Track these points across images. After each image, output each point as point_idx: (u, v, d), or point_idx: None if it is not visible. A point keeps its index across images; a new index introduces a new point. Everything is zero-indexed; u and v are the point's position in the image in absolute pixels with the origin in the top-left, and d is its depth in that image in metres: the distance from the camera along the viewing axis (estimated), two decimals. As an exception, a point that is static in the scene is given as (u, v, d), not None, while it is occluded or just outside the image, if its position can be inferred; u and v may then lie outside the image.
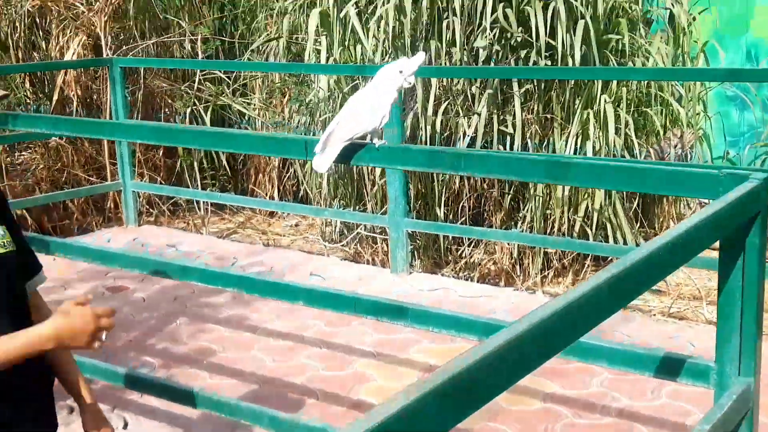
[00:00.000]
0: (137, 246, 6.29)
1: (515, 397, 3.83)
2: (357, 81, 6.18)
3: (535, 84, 5.87)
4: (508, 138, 5.87)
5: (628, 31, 5.94)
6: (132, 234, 6.65)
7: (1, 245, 1.85)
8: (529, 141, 5.93)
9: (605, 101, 5.71)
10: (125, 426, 3.63)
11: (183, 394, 3.00)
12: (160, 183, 7.37)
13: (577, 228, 5.92)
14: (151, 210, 7.40)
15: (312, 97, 6.45)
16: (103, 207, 7.44)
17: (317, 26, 6.23)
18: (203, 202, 7.13)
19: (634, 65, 5.97)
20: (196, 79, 7.32)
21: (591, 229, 5.76)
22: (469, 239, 5.99)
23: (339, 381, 3.99)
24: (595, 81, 5.65)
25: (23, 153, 7.56)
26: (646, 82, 5.93)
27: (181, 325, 4.74)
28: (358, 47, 6.03)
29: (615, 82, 5.78)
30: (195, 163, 7.28)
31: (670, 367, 2.26)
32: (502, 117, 5.92)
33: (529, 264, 5.92)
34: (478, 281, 5.81)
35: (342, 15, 5.93)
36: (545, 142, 5.95)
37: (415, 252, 6.10)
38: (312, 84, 6.52)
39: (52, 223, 7.18)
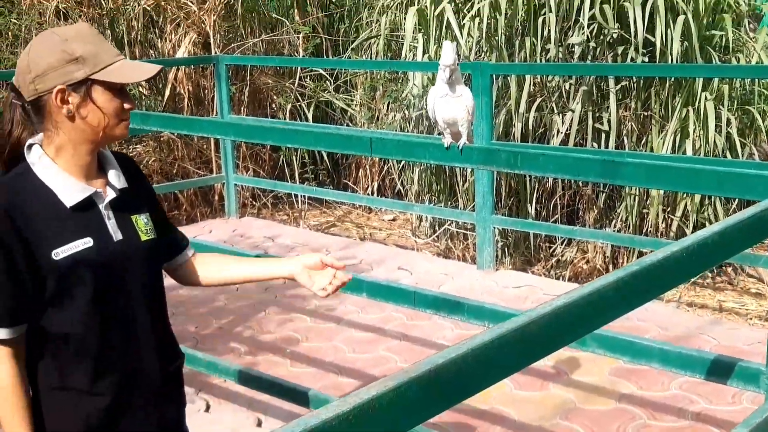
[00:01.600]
0: (236, 237, 6.53)
1: (590, 396, 3.81)
2: (451, 78, 6.21)
3: (633, 80, 5.76)
4: (603, 136, 5.79)
5: (733, 27, 5.75)
6: (233, 225, 6.90)
7: (144, 232, 1.89)
8: (625, 139, 5.83)
9: (706, 98, 5.55)
10: (207, 409, 3.81)
11: (262, 382, 3.13)
12: (263, 176, 7.61)
13: (674, 228, 5.78)
14: (254, 202, 7.66)
15: (407, 93, 6.52)
16: (210, 199, 7.74)
17: (415, 24, 6.30)
18: (302, 195, 7.32)
19: (738, 62, 5.78)
20: (298, 76, 7.51)
21: (689, 230, 5.62)
22: (561, 237, 5.95)
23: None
24: (696, 78, 5.50)
25: (137, 146, 7.94)
26: (750, 78, 5.73)
27: (269, 314, 4.91)
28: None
29: (717, 79, 5.61)
30: (296, 158, 7.49)
31: (721, 369, 2.23)
32: (597, 114, 5.84)
33: (623, 264, 5.82)
34: (569, 280, 5.76)
35: (437, 12, 5.97)
36: (643, 141, 5.84)
37: (506, 249, 6.10)
38: (408, 81, 6.59)
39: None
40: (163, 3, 7.50)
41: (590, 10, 5.53)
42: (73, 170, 1.82)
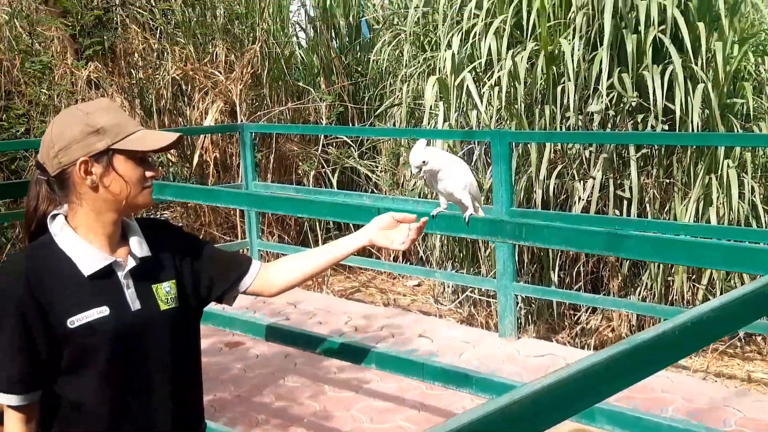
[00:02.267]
0: (258, 303, 6.54)
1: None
2: (472, 145, 6.26)
3: (654, 148, 5.76)
4: (625, 203, 5.77)
5: (754, 95, 5.76)
6: (256, 291, 6.92)
7: (164, 302, 1.89)
8: (648, 206, 5.80)
9: (729, 166, 5.53)
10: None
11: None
12: (288, 242, 7.66)
13: (700, 296, 5.71)
14: (278, 268, 7.69)
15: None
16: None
17: (436, 92, 6.39)
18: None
19: (760, 130, 5.76)
20: (320, 144, 7.62)
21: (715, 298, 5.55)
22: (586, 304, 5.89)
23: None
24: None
25: (165, 212, 8.06)
26: (773, 146, 5.71)
27: (287, 382, 4.90)
28: (474, 113, 6.12)
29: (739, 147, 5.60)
30: (320, 224, 7.54)
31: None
32: (619, 181, 5.83)
33: (647, 332, 5.74)
34: (595, 349, 5.68)
35: (457, 82, 6.05)
36: (666, 208, 5.81)
37: (529, 316, 6.06)
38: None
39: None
40: (191, 72, 7.69)
41: (609, 78, 5.57)
42: (94, 240, 1.86)
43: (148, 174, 1.89)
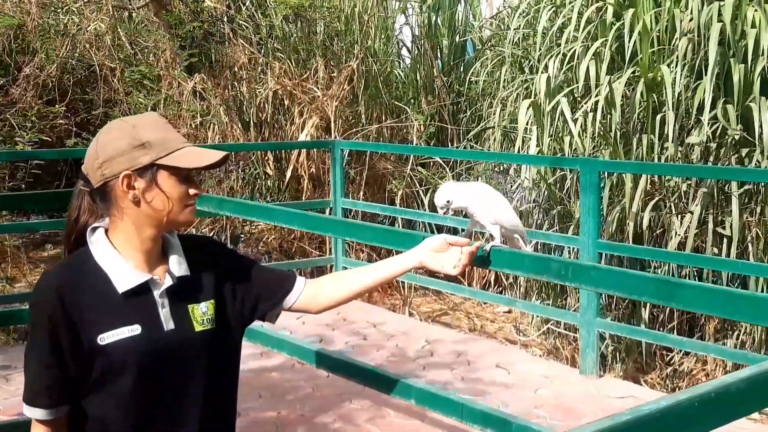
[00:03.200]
0: (339, 320, 6.50)
1: None
2: (564, 172, 6.05)
3: (760, 184, 5.41)
4: (726, 241, 5.43)
5: None
6: (338, 308, 6.86)
7: (199, 323, 1.85)
8: (750, 245, 5.45)
9: (841, 206, 5.13)
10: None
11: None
12: (376, 260, 7.59)
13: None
14: (365, 286, 7.63)
15: (517, 186, 6.39)
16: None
17: (530, 116, 6.21)
18: (409, 282, 7.24)
19: None
20: (416, 163, 7.54)
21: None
22: (676, 345, 5.58)
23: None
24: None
25: (259, 224, 8.14)
26: None
27: (353, 405, 4.81)
28: (567, 139, 5.91)
29: None
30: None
31: None
32: (720, 218, 5.50)
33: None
34: (684, 393, 5.36)
35: (550, 107, 5.86)
36: (770, 248, 5.44)
37: (617, 353, 5.78)
38: (518, 173, 6.47)
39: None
40: (290, 87, 7.75)
41: (712, 109, 5.27)
42: (132, 255, 1.82)
43: (192, 192, 1.84)
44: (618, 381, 5.31)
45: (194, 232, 6.67)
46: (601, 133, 5.73)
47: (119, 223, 1.82)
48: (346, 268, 7.13)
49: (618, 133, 5.64)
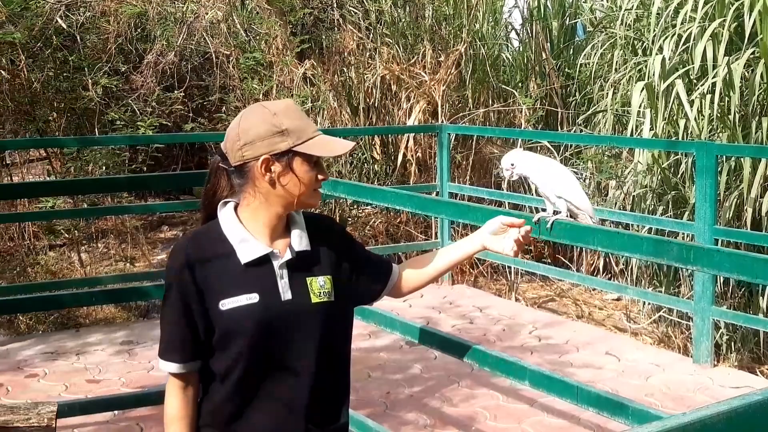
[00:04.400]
0: (446, 304, 6.55)
1: None
2: (679, 156, 5.90)
3: None
4: None
5: None
6: (444, 292, 6.93)
7: (316, 295, 1.95)
8: None
9: None
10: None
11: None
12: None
13: None
14: (471, 270, 7.65)
15: (630, 170, 6.27)
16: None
17: (643, 99, 6.08)
18: (516, 268, 7.20)
19: None
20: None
21: None
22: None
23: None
24: None
25: (366, 207, 8.24)
26: None
27: (461, 387, 4.85)
28: (682, 122, 5.76)
29: None
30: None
31: None
32: None
33: None
34: (803, 386, 5.18)
35: (664, 87, 5.72)
36: None
37: (732, 343, 5.62)
38: (631, 158, 6.34)
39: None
40: (397, 72, 7.80)
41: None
42: (257, 230, 1.95)
43: (320, 177, 1.97)
44: (732, 371, 5.17)
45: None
46: (719, 115, 5.57)
47: (251, 201, 1.95)
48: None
49: (736, 116, 5.46)
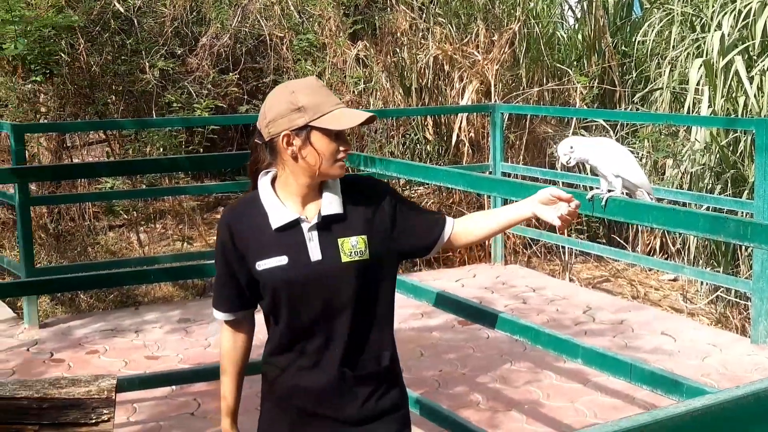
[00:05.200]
0: (498, 284, 6.53)
1: None
2: (738, 134, 5.78)
3: None
4: None
5: None
6: (497, 272, 6.92)
7: (347, 254, 2.08)
8: None
9: None
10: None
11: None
12: (536, 226, 7.54)
13: None
14: (525, 250, 7.62)
15: (688, 149, 6.16)
16: (483, 244, 7.82)
17: (702, 76, 5.96)
18: (569, 247, 7.15)
19: None
20: (578, 126, 7.39)
21: None
22: None
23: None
24: None
25: (419, 188, 8.25)
26: None
27: (514, 366, 4.85)
28: (742, 99, 5.64)
29: None
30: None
31: None
32: None
33: None
34: None
35: (723, 63, 5.60)
36: None
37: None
38: (688, 136, 6.23)
39: (438, 255, 7.71)
40: (450, 52, 7.77)
41: None
42: (288, 198, 2.12)
43: (342, 149, 2.09)
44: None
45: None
46: (780, 92, 5.44)
47: (282, 172, 2.12)
48: (505, 233, 7.12)
49: (798, 93, 5.34)
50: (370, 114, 2.12)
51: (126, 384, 3.78)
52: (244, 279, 2.13)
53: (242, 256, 2.11)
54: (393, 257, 2.20)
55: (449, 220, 2.28)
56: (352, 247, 2.09)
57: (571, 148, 2.32)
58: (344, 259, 2.08)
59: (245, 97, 8.05)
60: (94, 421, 2.26)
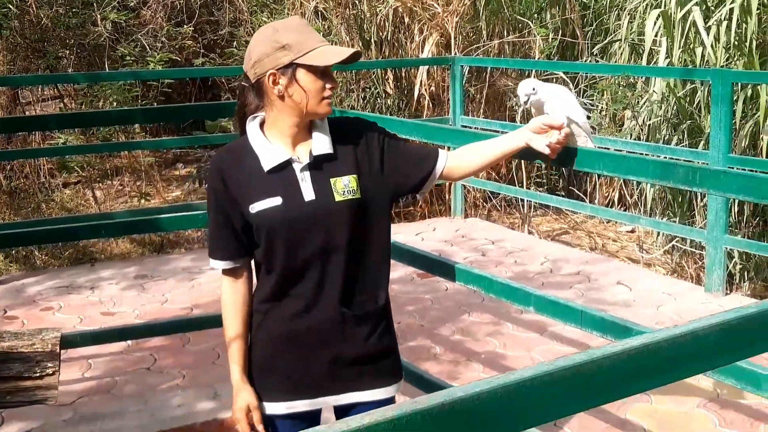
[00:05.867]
0: (458, 237, 6.54)
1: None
2: (695, 85, 5.80)
3: None
4: None
5: None
6: (457, 225, 6.92)
7: (339, 194, 2.08)
8: None
9: None
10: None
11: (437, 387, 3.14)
12: (495, 179, 7.55)
13: None
14: (485, 204, 7.63)
15: (645, 100, 6.17)
16: (444, 198, 7.82)
17: (659, 27, 5.95)
18: (529, 200, 7.17)
19: None
20: (532, 77, 7.36)
21: None
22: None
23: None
24: None
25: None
26: None
27: (472, 317, 4.87)
28: (699, 50, 5.65)
29: None
30: (528, 164, 7.35)
31: None
32: None
33: None
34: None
35: (681, 15, 5.59)
36: None
37: (746, 272, 5.60)
38: (646, 87, 6.23)
39: (399, 209, 7.69)
40: (410, 4, 7.68)
41: None
42: (278, 139, 2.11)
43: (328, 86, 2.08)
44: (745, 299, 5.16)
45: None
46: (735, 43, 5.45)
47: (270, 113, 2.12)
48: (465, 186, 7.13)
49: (753, 43, 5.35)
50: (355, 50, 2.09)
51: (78, 339, 3.74)
52: (238, 224, 2.12)
53: (235, 199, 2.10)
54: (385, 196, 2.19)
55: (442, 153, 2.26)
56: (345, 186, 2.10)
57: (534, 89, 2.30)
58: (337, 198, 2.08)
59: (201, 50, 7.91)
60: (38, 374, 2.23)
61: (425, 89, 7.75)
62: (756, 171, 5.14)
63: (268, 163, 2.09)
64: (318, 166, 2.10)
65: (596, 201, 7.41)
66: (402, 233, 6.63)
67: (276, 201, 2.07)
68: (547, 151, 2.18)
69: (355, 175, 2.11)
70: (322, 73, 2.06)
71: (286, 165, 2.09)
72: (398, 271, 5.56)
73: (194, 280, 5.53)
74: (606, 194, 7.59)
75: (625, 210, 7.04)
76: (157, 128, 8.61)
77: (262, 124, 2.14)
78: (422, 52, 7.73)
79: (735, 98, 5.14)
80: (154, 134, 8.53)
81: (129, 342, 4.43)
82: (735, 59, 5.54)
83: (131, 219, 4.33)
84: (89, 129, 7.64)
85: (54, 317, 4.93)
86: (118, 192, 7.88)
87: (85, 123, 5.20)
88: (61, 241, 5.34)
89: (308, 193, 2.08)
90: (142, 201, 7.45)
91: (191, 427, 3.64)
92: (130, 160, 7.98)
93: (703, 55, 5.62)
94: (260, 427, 2.16)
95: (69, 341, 3.72)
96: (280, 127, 2.10)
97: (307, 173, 2.09)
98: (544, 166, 7.51)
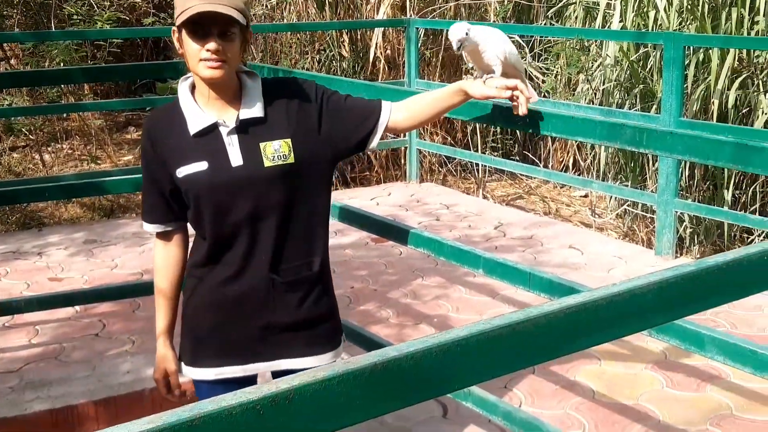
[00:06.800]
0: (413, 202, 6.53)
1: (750, 404, 3.46)
2: (647, 49, 5.82)
3: None
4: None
5: None
6: (412, 190, 6.90)
7: (269, 159, 2.01)
8: None
9: None
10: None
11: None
12: (451, 143, 7.53)
13: None
14: (440, 169, 7.61)
15: (599, 64, 6.18)
16: (400, 163, 7.79)
17: (614, -10, 5.95)
18: (484, 165, 7.17)
19: None
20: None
21: None
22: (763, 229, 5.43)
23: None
24: None
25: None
26: None
27: (425, 281, 4.87)
28: (652, 14, 5.65)
29: None
30: (487, 127, 7.34)
31: None
32: (813, 96, 5.25)
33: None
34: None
35: (635, -22, 5.59)
36: None
37: (696, 236, 5.67)
38: (600, 51, 6.24)
39: (355, 174, 7.65)
40: (365, -35, 7.57)
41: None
42: (204, 102, 2.05)
43: (207, 48, 1.94)
44: (694, 262, 5.22)
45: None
46: (688, 7, 5.47)
47: (192, 75, 2.05)
48: (422, 151, 7.10)
49: (706, 7, 5.37)
50: (225, 5, 1.90)
51: (24, 305, 3.67)
52: (168, 188, 2.07)
53: (163, 162, 2.05)
54: (324, 160, 2.12)
55: (386, 104, 2.19)
56: (275, 151, 2.03)
57: (468, 33, 2.23)
58: (267, 163, 2.02)
59: (152, 10, 7.73)
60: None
61: (380, 52, 7.68)
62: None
63: (194, 126, 2.02)
64: (245, 130, 2.03)
65: (551, 166, 7.44)
66: (357, 198, 6.60)
67: (202, 166, 2.00)
68: (497, 93, 2.11)
69: (287, 140, 2.04)
70: (203, 35, 1.92)
71: (213, 129, 2.02)
72: (352, 235, 5.54)
73: (144, 245, 5.45)
74: (561, 159, 7.62)
75: (579, 175, 7.08)
76: (108, 91, 8.43)
77: (194, 86, 2.08)
78: (377, 13, 7.65)
79: (687, 62, 5.16)
80: (104, 97, 8.35)
81: (77, 308, 4.35)
82: (687, 23, 5.56)
83: (75, 182, 4.22)
84: (36, 91, 7.45)
85: (0, 283, 4.83)
86: (67, 156, 7.72)
87: (26, 82, 5.04)
88: (1, 204, 5.20)
89: (236, 159, 2.01)
90: (92, 165, 7.30)
91: (140, 393, 3.59)
92: (80, 123, 7.80)
93: (656, 19, 5.63)
94: (176, 391, 2.18)
95: (15, 307, 3.65)
96: (200, 89, 2.04)
97: (234, 137, 2.02)
98: (499, 130, 7.51)
